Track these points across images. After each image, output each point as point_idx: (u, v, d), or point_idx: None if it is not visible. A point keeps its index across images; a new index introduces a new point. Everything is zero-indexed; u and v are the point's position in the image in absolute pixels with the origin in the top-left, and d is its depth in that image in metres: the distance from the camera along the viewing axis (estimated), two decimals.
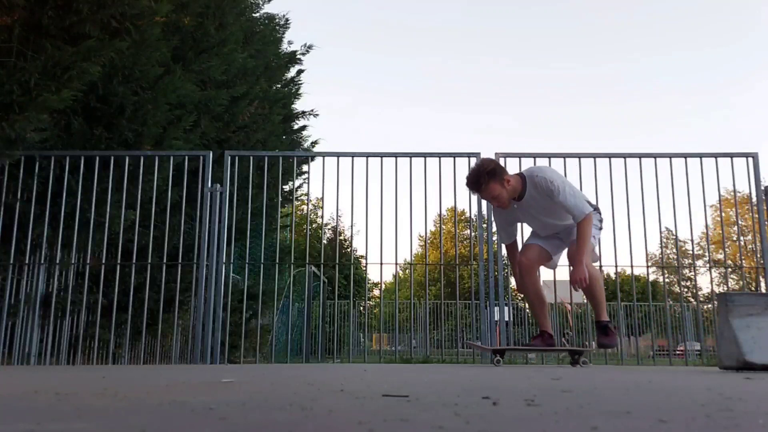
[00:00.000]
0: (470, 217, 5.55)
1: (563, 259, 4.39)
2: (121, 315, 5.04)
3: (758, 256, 5.03)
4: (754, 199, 5.15)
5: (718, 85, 54.14)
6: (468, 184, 3.99)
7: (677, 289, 29.83)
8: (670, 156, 5.13)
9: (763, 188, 5.10)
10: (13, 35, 4.15)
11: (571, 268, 3.93)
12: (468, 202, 5.19)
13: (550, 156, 5.12)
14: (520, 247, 4.28)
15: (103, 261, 4.97)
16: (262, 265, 5.73)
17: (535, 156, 5.14)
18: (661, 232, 5.43)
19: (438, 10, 55.98)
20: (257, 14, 8.28)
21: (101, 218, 4.92)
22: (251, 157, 5.29)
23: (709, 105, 54.07)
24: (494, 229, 5.18)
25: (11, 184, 4.85)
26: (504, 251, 4.44)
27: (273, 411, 1.28)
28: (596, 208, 4.20)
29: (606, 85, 55.75)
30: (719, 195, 5.32)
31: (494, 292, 4.96)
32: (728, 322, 3.32)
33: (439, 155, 5.14)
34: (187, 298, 5.95)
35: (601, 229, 4.24)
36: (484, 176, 3.85)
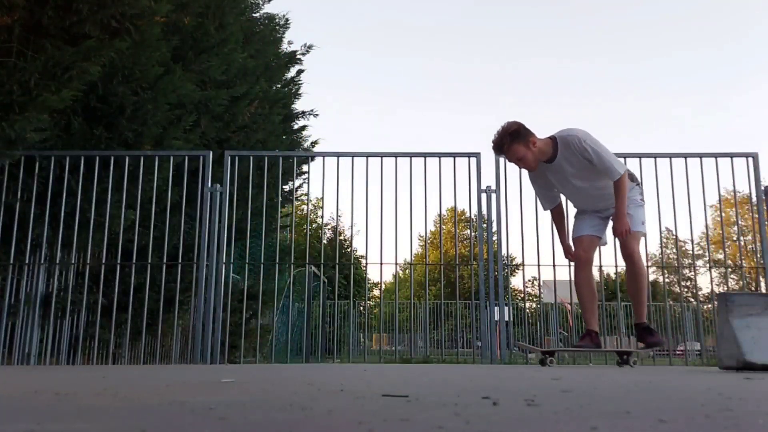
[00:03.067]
0: (470, 217, 5.55)
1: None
2: (121, 315, 5.03)
3: (758, 256, 5.02)
4: (754, 199, 5.15)
5: (718, 85, 54.17)
6: (493, 147, 3.98)
7: (677, 289, 29.82)
8: (670, 156, 5.12)
9: (763, 188, 5.10)
10: (13, 35, 4.15)
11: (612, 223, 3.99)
12: (468, 202, 5.18)
13: None
14: (570, 222, 4.29)
15: (103, 261, 4.97)
16: (262, 265, 5.73)
17: None
18: (661, 232, 5.42)
19: (438, 10, 55.99)
20: (257, 14, 8.27)
21: (101, 218, 4.92)
22: (251, 157, 5.29)
23: (709, 105, 54.08)
24: (494, 228, 5.19)
25: (11, 184, 4.84)
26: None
27: (273, 411, 1.28)
28: (633, 177, 4.16)
29: (606, 85, 55.78)
30: (719, 195, 5.32)
31: (494, 292, 4.96)
32: (728, 322, 3.32)
33: (439, 155, 5.14)
34: (187, 298, 5.95)
35: (643, 201, 4.19)
36: (507, 138, 3.85)
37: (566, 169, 3.93)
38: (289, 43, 8.89)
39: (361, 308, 17.47)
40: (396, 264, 5.22)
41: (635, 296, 4.09)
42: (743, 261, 5.86)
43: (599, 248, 4.32)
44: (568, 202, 4.40)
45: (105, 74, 4.72)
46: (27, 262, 4.93)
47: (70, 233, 4.89)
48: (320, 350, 12.31)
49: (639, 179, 4.33)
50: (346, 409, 1.30)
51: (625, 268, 4.14)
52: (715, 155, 5.09)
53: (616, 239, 4.14)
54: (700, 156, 5.10)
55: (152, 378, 2.58)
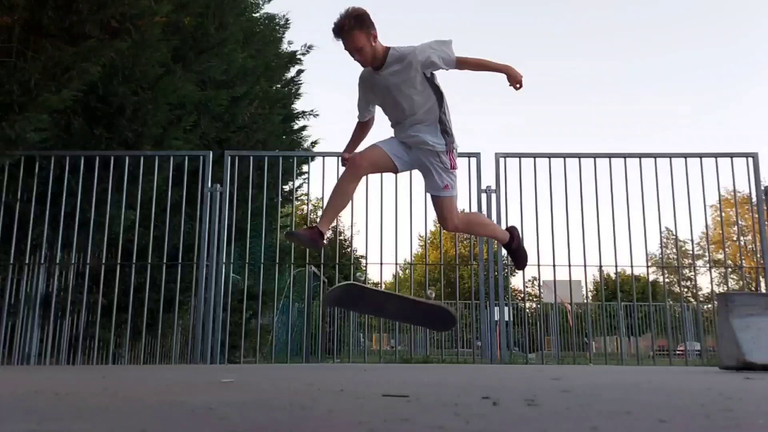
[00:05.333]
0: None
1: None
2: (121, 315, 5.03)
3: (758, 256, 5.02)
4: (754, 199, 5.15)
5: (718, 85, 54.14)
6: (333, 29, 3.45)
7: (677, 289, 29.80)
8: (670, 156, 5.12)
9: (763, 188, 5.10)
10: (13, 35, 4.15)
11: (503, 74, 3.49)
12: (468, 202, 5.18)
13: (550, 156, 5.12)
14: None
15: (103, 261, 4.97)
16: (262, 265, 5.72)
17: (535, 156, 5.14)
18: (661, 232, 5.42)
19: (437, 10, 56.02)
20: (257, 14, 8.28)
21: (101, 218, 4.92)
22: (251, 157, 5.29)
23: (709, 105, 54.07)
24: None
25: (11, 184, 4.84)
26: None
27: (273, 411, 1.28)
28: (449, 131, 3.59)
29: (606, 85, 55.77)
30: (719, 195, 5.32)
31: (494, 292, 4.96)
32: (728, 322, 3.32)
33: None
34: (187, 298, 5.95)
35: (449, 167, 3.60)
36: (351, 20, 3.38)
37: (392, 79, 3.49)
38: (289, 43, 8.91)
39: None
40: (396, 264, 5.23)
41: (491, 233, 3.90)
42: (743, 261, 5.86)
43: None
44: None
45: (105, 74, 4.72)
46: (27, 262, 4.93)
47: (70, 233, 4.88)
48: (320, 350, 12.29)
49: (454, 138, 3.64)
50: (346, 409, 1.30)
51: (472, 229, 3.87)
52: (715, 155, 5.09)
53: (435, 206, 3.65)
54: (700, 156, 5.10)
55: (152, 378, 2.58)
